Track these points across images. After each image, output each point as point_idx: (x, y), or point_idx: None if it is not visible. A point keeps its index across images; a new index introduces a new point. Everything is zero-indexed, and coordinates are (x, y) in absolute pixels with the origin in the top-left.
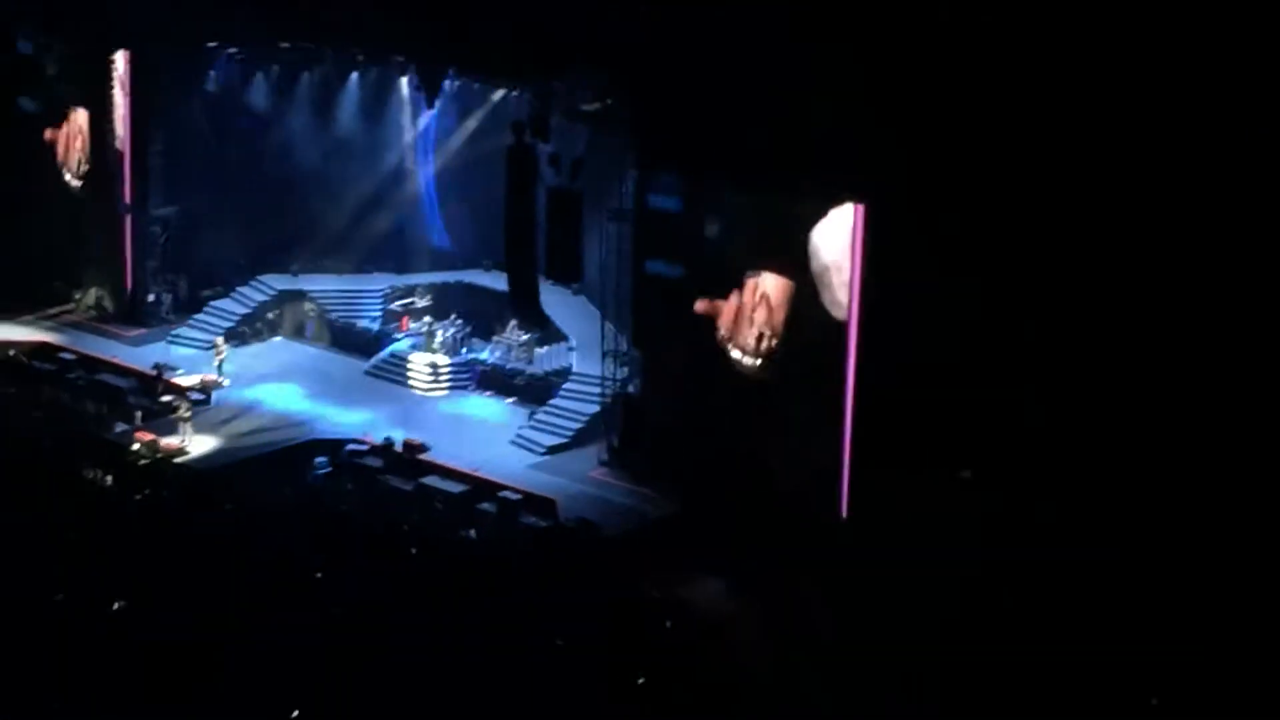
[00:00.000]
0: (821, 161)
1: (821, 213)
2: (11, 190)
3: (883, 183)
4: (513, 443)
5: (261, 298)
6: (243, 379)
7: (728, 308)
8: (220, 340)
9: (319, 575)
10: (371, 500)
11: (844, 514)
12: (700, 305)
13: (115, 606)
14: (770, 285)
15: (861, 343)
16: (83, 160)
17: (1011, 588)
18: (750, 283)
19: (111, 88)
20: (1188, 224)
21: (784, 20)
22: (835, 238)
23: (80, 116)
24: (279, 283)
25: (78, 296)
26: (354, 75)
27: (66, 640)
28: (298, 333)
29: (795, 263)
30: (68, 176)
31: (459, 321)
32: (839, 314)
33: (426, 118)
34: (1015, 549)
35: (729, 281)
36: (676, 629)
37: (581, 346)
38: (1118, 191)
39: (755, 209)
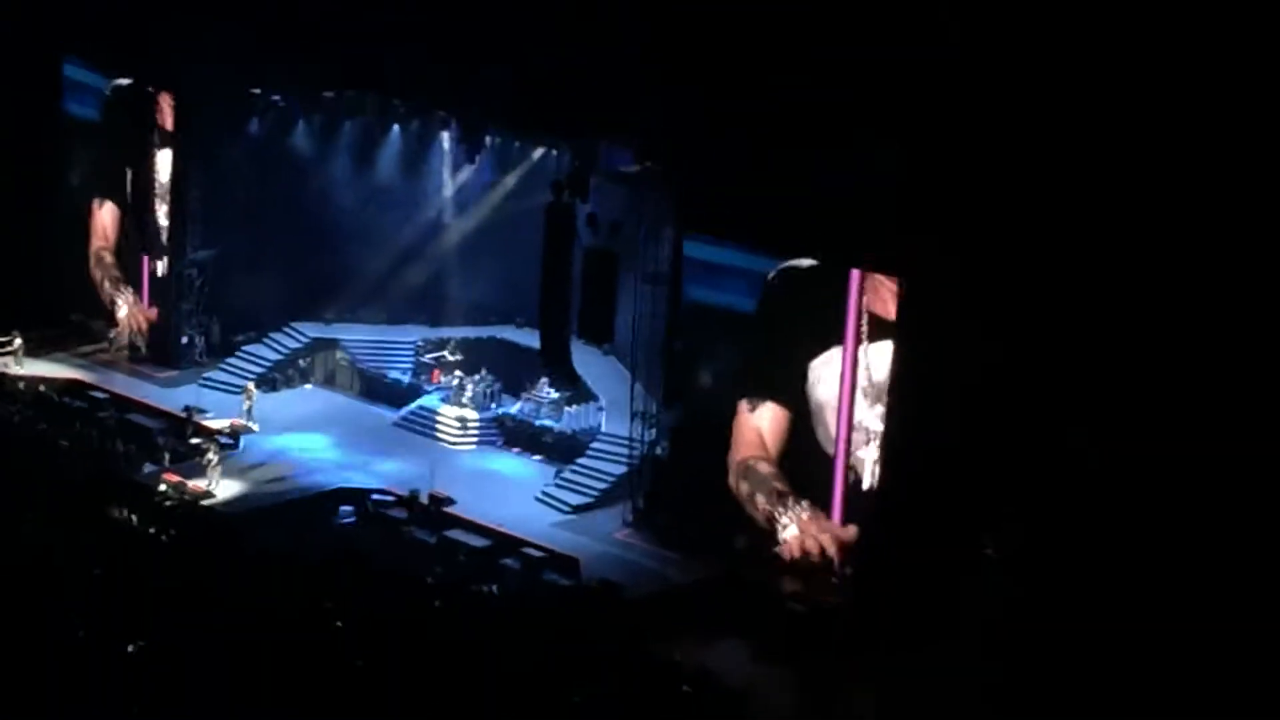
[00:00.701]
0: (861, 232)
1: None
2: (49, 228)
3: (923, 253)
4: (538, 500)
5: (294, 344)
6: (272, 425)
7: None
8: (251, 385)
9: (339, 624)
10: (395, 551)
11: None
12: None
13: (130, 648)
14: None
15: (890, 417)
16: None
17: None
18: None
19: (153, 130)
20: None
21: (826, 92)
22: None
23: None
24: (312, 330)
25: (112, 336)
26: (395, 126)
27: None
28: (328, 381)
29: None
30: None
31: (489, 377)
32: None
33: (466, 172)
34: (1040, 626)
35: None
36: (696, 693)
37: (610, 406)
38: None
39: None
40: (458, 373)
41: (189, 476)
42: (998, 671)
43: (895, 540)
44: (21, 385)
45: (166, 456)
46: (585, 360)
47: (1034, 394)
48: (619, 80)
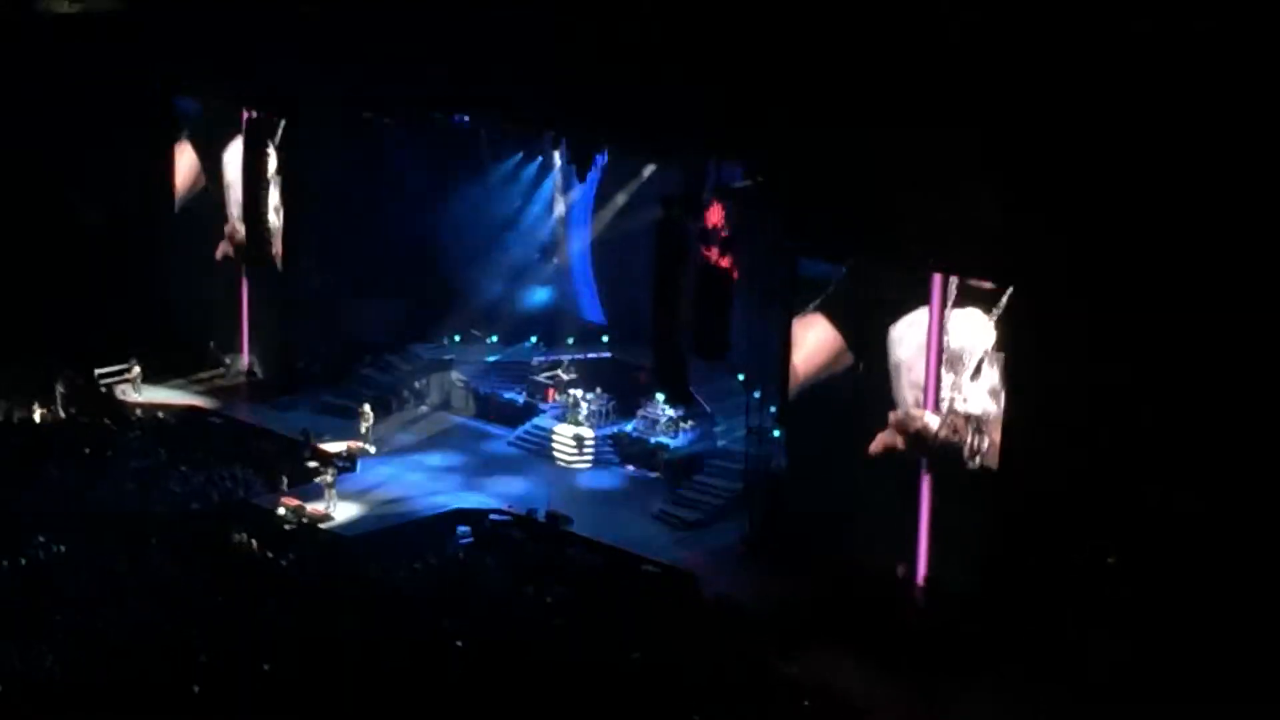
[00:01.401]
0: (969, 243)
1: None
2: (165, 258)
3: (1033, 265)
4: (655, 518)
5: (409, 367)
6: (388, 447)
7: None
8: (367, 408)
9: (459, 644)
10: (513, 571)
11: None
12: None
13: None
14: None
15: (1007, 431)
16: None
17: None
18: None
19: (268, 155)
20: None
21: (932, 103)
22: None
23: (236, 186)
24: (427, 352)
25: (228, 361)
26: (506, 149)
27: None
28: (443, 402)
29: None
30: (226, 246)
31: (604, 395)
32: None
33: (578, 191)
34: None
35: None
36: (815, 710)
37: (726, 424)
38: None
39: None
40: (572, 391)
41: (307, 500)
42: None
43: (1018, 556)
44: (140, 412)
45: (284, 480)
46: (702, 378)
47: (1150, 414)
48: (729, 97)
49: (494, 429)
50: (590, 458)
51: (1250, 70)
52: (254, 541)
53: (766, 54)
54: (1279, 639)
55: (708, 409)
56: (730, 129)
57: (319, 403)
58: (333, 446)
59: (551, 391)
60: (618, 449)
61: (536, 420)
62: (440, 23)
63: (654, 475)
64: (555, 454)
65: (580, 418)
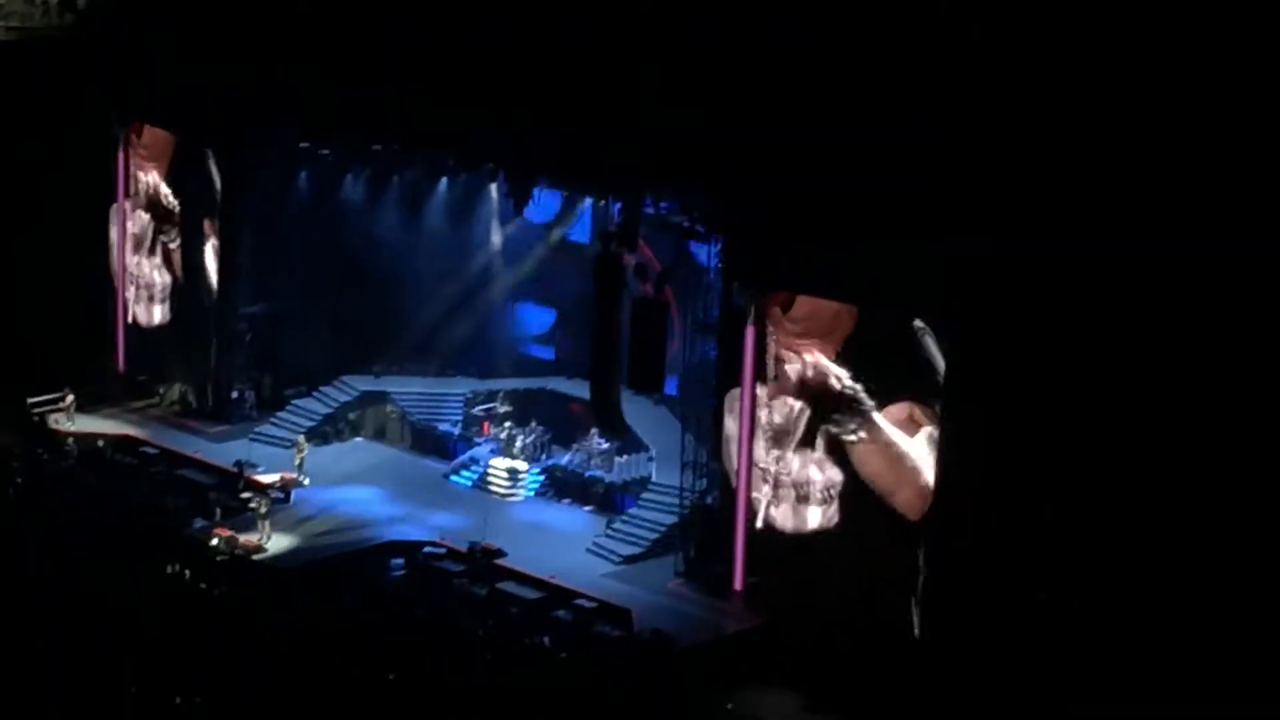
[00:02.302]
0: (899, 283)
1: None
2: (100, 289)
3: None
4: (589, 551)
5: (344, 398)
6: (322, 478)
7: None
8: (301, 439)
9: (391, 677)
10: (446, 604)
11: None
12: None
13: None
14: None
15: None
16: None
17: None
18: None
19: (206, 186)
20: None
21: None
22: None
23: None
24: (362, 383)
25: (162, 391)
26: (444, 179)
27: None
28: (378, 434)
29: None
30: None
31: (539, 428)
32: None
33: (513, 224)
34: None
35: None
36: None
37: (661, 456)
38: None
39: None
40: (508, 424)
41: (241, 531)
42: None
43: (952, 593)
44: (72, 441)
45: (218, 511)
46: (637, 410)
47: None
48: (665, 132)
49: (429, 461)
50: (524, 491)
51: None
52: (187, 572)
53: (700, 91)
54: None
55: (644, 442)
56: (666, 164)
57: (253, 433)
58: (266, 477)
59: (487, 424)
60: (553, 482)
61: (472, 453)
62: (378, 54)
63: (589, 508)
64: (490, 486)
65: (515, 450)
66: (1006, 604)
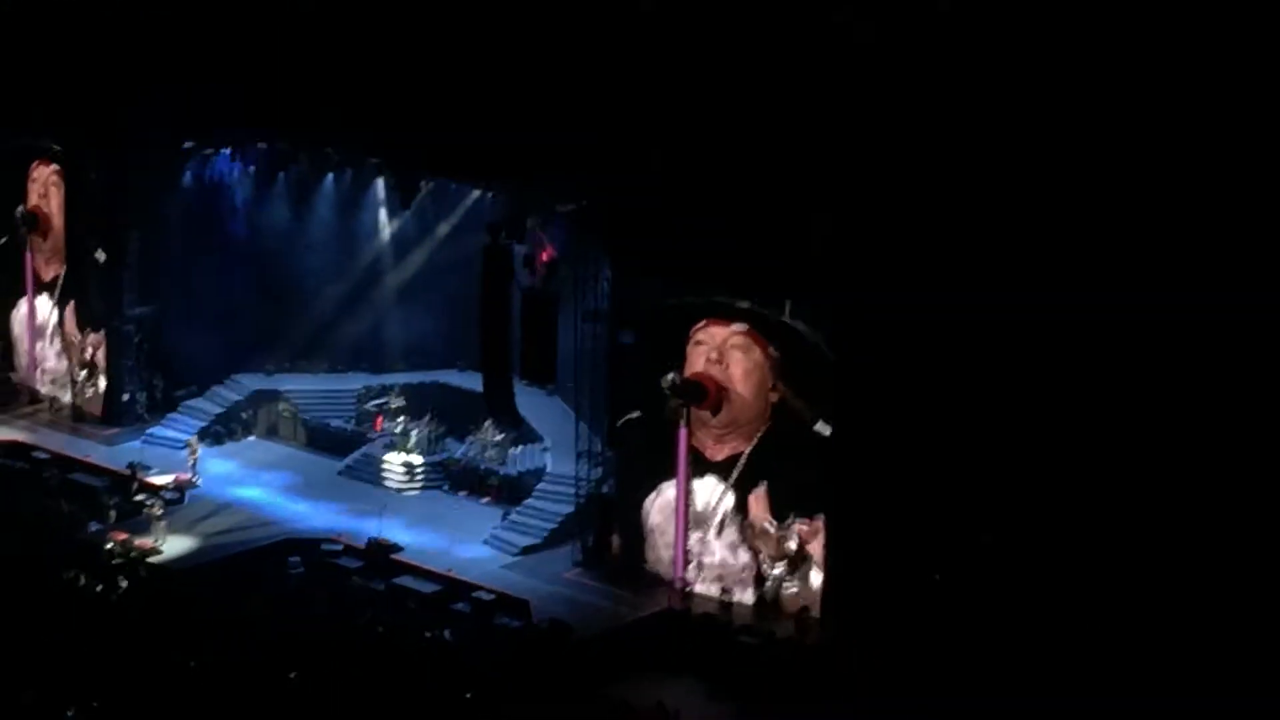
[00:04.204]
0: (792, 267)
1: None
2: None
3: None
4: (486, 543)
5: (236, 397)
6: (217, 478)
7: None
8: (194, 439)
9: (292, 675)
10: (345, 601)
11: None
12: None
13: (71, 713)
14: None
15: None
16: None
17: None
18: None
19: (88, 188)
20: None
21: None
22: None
23: (56, 208)
24: (253, 382)
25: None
26: (330, 175)
27: None
28: (271, 432)
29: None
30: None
31: (433, 421)
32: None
33: (402, 218)
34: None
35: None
36: None
37: (556, 447)
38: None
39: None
40: (401, 418)
41: (136, 533)
42: None
43: (855, 574)
44: None
45: (112, 514)
46: (530, 401)
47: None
48: (549, 123)
49: (323, 457)
50: (420, 484)
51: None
52: (82, 576)
53: (588, 82)
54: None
55: (538, 433)
56: (552, 156)
57: (145, 435)
58: (160, 479)
59: (380, 419)
60: (448, 475)
61: (365, 448)
62: (262, 47)
63: (484, 500)
64: (385, 481)
65: (409, 444)
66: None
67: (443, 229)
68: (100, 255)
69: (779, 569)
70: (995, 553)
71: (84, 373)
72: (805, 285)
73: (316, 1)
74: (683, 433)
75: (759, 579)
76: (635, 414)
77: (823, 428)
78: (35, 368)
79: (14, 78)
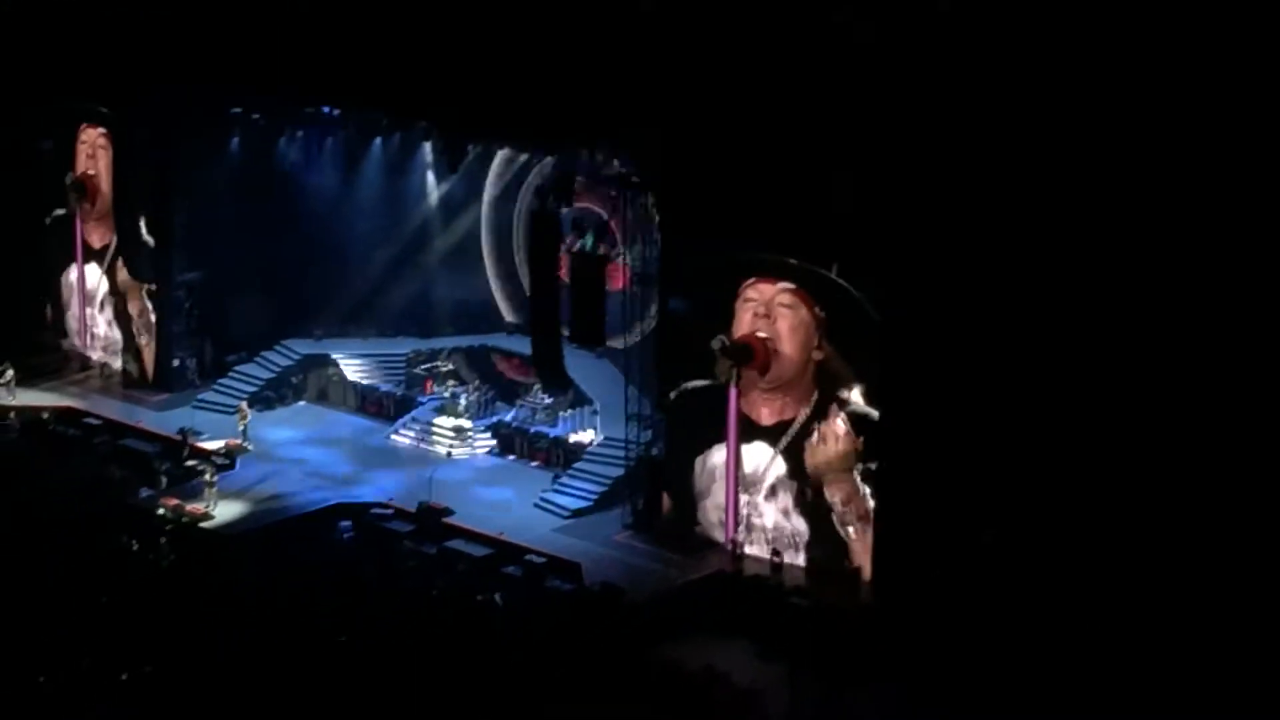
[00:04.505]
0: (841, 231)
1: None
2: (35, 259)
3: (898, 261)
4: (537, 506)
5: (286, 362)
6: (267, 443)
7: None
8: (244, 405)
9: (343, 639)
10: (395, 565)
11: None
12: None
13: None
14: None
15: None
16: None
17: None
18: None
19: (135, 151)
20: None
21: (808, 89)
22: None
23: (104, 169)
24: (303, 347)
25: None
26: (377, 140)
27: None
28: (321, 397)
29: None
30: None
31: (483, 385)
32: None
33: (450, 182)
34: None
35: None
36: (705, 694)
37: (605, 410)
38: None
39: None
40: (451, 382)
41: (187, 499)
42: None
43: (902, 537)
44: (14, 415)
45: (163, 480)
46: (579, 364)
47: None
48: (598, 85)
49: (373, 422)
50: (470, 448)
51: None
52: (134, 542)
53: (636, 42)
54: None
55: (588, 396)
56: (600, 117)
57: (196, 401)
58: (211, 444)
59: (429, 383)
60: (498, 439)
61: (415, 412)
62: (307, 13)
63: (535, 464)
64: (435, 445)
65: (459, 408)
66: (954, 545)
67: (490, 191)
68: (148, 236)
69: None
70: (1043, 519)
71: (144, 337)
72: (849, 243)
73: None
74: (733, 393)
75: (811, 543)
76: (698, 383)
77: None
78: (85, 334)
79: (61, 42)
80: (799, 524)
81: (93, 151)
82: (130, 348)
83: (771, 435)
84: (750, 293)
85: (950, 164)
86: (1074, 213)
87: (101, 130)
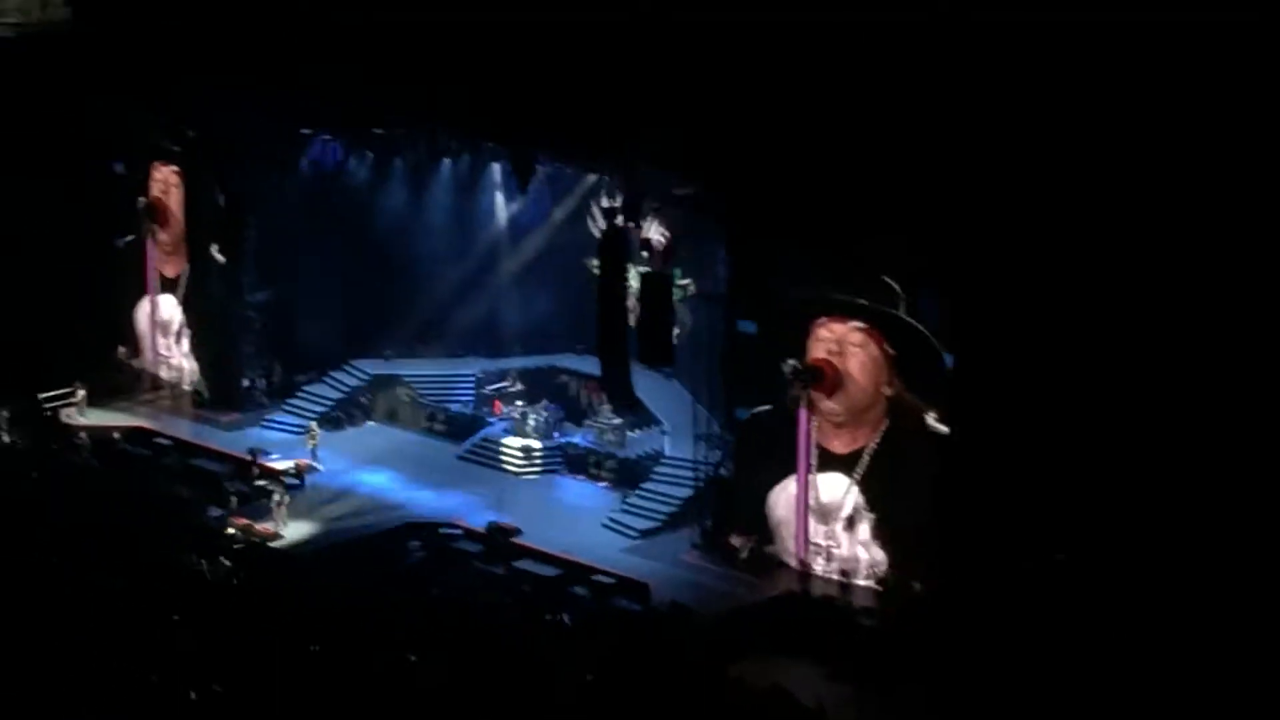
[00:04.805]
0: (907, 250)
1: None
2: (105, 279)
3: (969, 272)
4: (605, 526)
5: (355, 382)
6: (336, 463)
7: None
8: (314, 425)
9: (412, 658)
10: (464, 584)
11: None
12: None
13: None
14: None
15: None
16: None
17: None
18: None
19: (206, 174)
20: None
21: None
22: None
23: (175, 204)
24: (372, 367)
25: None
26: (446, 160)
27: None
28: (390, 417)
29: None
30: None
31: (551, 405)
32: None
33: (518, 202)
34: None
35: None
36: (772, 713)
37: (674, 430)
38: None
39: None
40: (519, 402)
41: (256, 519)
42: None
43: (965, 557)
44: (85, 434)
45: (233, 500)
46: (647, 384)
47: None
48: (666, 104)
49: (441, 442)
50: (539, 468)
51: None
52: (204, 561)
53: (706, 65)
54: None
55: (656, 416)
56: (668, 137)
57: (265, 420)
58: (281, 464)
59: (498, 403)
60: (566, 459)
61: (485, 432)
62: (375, 36)
63: (603, 484)
64: (504, 465)
65: (528, 429)
66: (1022, 565)
67: (559, 212)
68: (219, 256)
69: None
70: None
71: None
72: (919, 281)
73: None
74: (803, 415)
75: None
76: (765, 407)
77: (936, 424)
78: (159, 363)
79: (132, 67)
80: (877, 554)
81: (165, 189)
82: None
83: (846, 464)
84: (822, 331)
85: (1026, 200)
86: (1146, 236)
87: (174, 167)
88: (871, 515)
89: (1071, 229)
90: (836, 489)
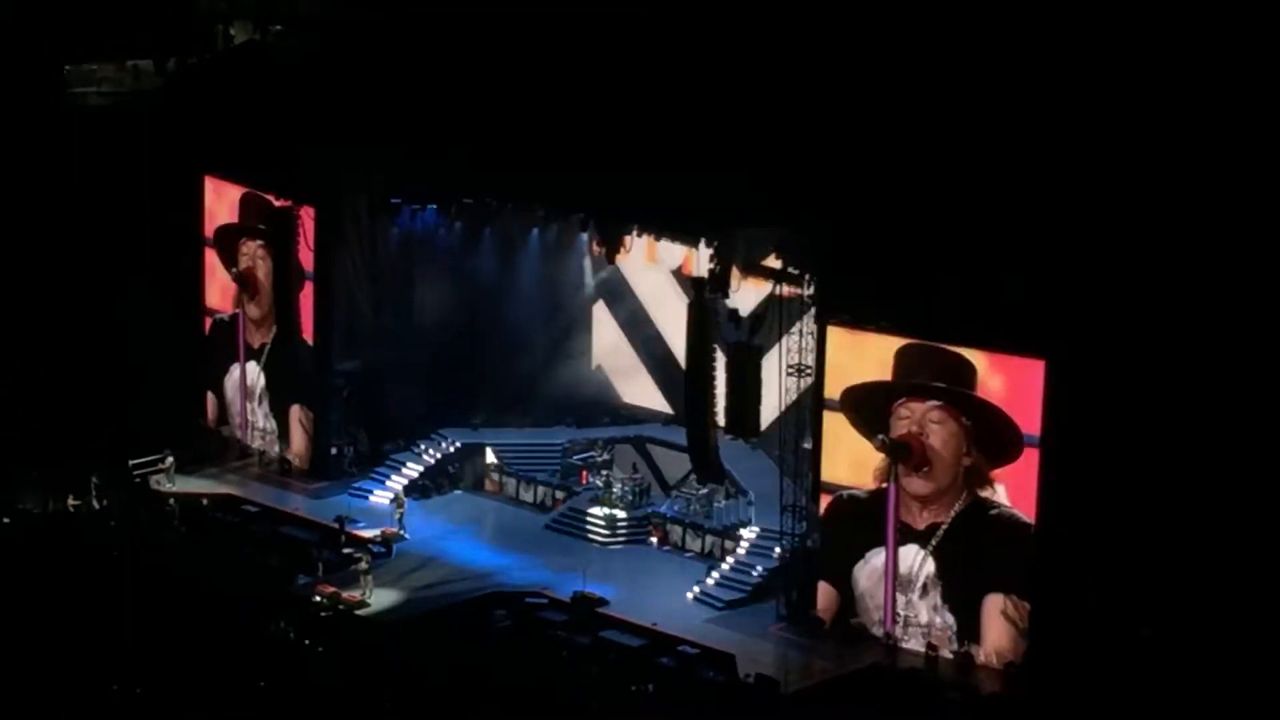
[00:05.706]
0: (1001, 320)
1: None
2: (194, 348)
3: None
4: (691, 597)
5: (442, 451)
6: (423, 532)
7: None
8: (401, 493)
9: None
10: (551, 654)
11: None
12: None
13: None
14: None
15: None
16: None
17: None
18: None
19: (296, 242)
20: None
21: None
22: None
23: (264, 275)
24: (459, 436)
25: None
26: (535, 230)
27: None
28: (478, 486)
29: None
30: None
31: (638, 475)
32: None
33: (606, 271)
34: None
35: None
36: None
37: (760, 500)
38: None
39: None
40: (605, 472)
41: (343, 586)
42: None
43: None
44: (174, 501)
45: (320, 567)
46: (734, 454)
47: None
48: (756, 173)
49: (528, 512)
50: (625, 538)
51: None
52: (290, 629)
53: (795, 135)
54: None
55: (742, 486)
56: (758, 208)
57: (353, 488)
58: (367, 532)
59: (585, 473)
60: (653, 529)
61: (571, 502)
62: (467, 107)
63: (689, 554)
64: (590, 535)
65: (614, 498)
66: (1111, 638)
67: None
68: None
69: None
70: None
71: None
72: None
73: (517, 64)
74: (891, 489)
75: (960, 636)
76: (856, 490)
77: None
78: (246, 428)
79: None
80: (948, 618)
81: (252, 263)
82: (285, 439)
83: (922, 537)
84: (902, 410)
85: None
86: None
87: (260, 243)
88: (940, 583)
89: (1170, 317)
90: (913, 560)
